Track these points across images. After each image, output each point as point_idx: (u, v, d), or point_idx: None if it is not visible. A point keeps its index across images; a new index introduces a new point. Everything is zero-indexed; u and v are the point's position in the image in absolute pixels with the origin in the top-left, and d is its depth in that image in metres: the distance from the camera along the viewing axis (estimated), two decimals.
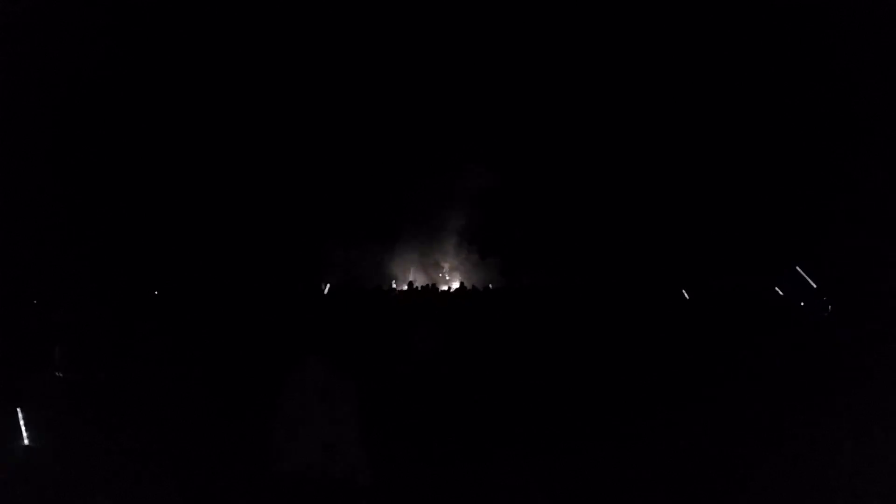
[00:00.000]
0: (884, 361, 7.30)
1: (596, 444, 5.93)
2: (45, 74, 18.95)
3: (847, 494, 4.96)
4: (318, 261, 23.72)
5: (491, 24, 24.79)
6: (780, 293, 15.47)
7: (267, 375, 6.11)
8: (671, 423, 6.37)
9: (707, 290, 16.10)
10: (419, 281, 23.82)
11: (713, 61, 21.78)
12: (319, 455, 3.49)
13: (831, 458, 5.42)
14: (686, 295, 15.97)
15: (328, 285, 16.51)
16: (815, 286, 15.58)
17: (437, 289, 18.37)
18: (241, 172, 23.79)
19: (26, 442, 5.92)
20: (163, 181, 22.23)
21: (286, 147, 24.46)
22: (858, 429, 5.72)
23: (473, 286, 18.18)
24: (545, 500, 4.81)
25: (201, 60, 22.98)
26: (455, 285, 23.61)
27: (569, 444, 5.84)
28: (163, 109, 22.49)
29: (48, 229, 18.33)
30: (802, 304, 14.60)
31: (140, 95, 22.18)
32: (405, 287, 20.46)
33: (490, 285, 20.65)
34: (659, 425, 6.35)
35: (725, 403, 6.85)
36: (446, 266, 28.21)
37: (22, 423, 5.96)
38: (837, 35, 19.15)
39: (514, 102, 24.49)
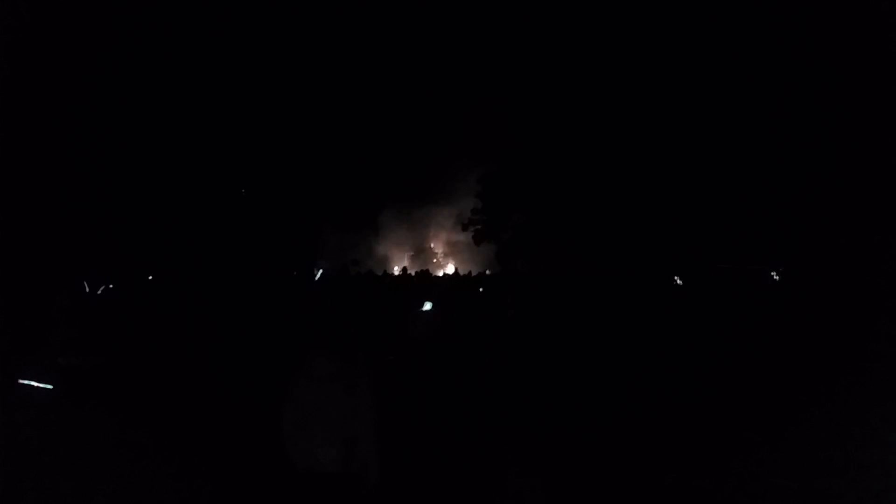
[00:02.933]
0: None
1: (594, 431, 5.89)
2: (47, 69, 18.84)
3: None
4: (312, 245, 23.80)
5: (489, 15, 24.69)
6: (776, 277, 15.74)
7: (266, 362, 6.34)
8: (668, 408, 6.42)
9: (704, 275, 16.42)
10: (413, 266, 23.84)
11: (710, 66, 21.69)
12: (331, 451, 3.33)
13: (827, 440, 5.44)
14: (679, 281, 16.07)
15: (321, 270, 16.40)
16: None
17: (431, 273, 18.27)
18: (236, 159, 23.74)
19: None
20: (161, 168, 22.21)
21: (281, 134, 24.37)
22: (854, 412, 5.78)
23: (469, 271, 18.09)
24: (541, 487, 4.75)
25: (194, 47, 22.82)
26: (449, 270, 23.53)
27: (567, 431, 5.67)
28: (159, 100, 22.42)
29: (47, 215, 18.22)
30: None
31: (137, 87, 22.13)
32: (398, 271, 20.39)
33: (487, 271, 20.58)
34: (656, 411, 6.39)
35: (722, 385, 6.95)
36: (440, 251, 28.38)
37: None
38: (827, 38, 19.25)
39: (512, 95, 24.40)
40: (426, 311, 7.05)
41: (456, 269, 21.65)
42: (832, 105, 19.53)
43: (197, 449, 5.43)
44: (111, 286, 11.22)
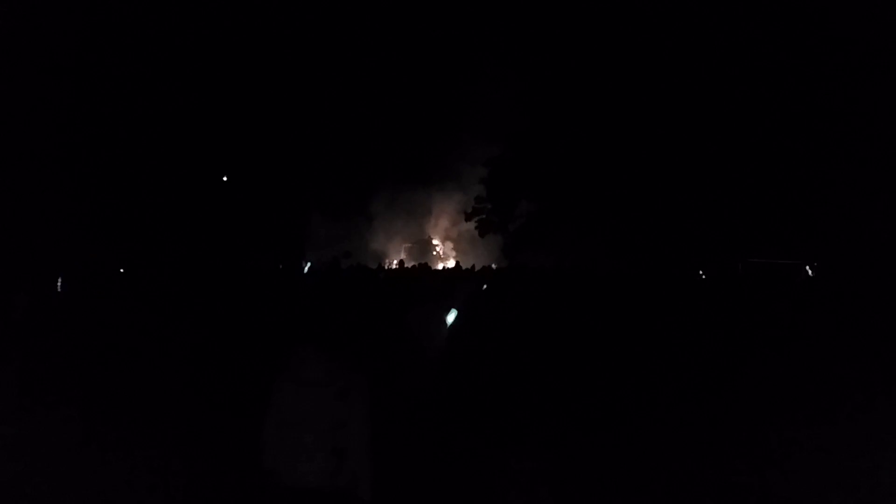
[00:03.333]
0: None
1: (598, 431, 6.04)
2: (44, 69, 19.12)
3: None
4: (299, 236, 23.27)
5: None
6: (810, 272, 15.58)
7: (248, 364, 6.34)
8: (681, 416, 6.37)
9: (731, 270, 16.35)
10: (411, 259, 23.10)
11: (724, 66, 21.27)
12: (318, 463, 3.19)
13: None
14: (703, 276, 15.82)
15: (309, 263, 15.82)
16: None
17: (430, 268, 17.55)
18: (216, 143, 23.27)
19: None
20: (136, 155, 21.81)
21: (265, 114, 23.82)
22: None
23: (472, 266, 17.33)
24: (547, 489, 4.65)
25: (173, 31, 22.37)
26: (450, 264, 22.67)
27: (571, 431, 5.86)
28: (137, 85, 22.07)
29: (18, 214, 18.05)
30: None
31: (116, 74, 21.83)
32: (395, 265, 19.75)
33: (492, 265, 19.93)
34: (664, 411, 6.43)
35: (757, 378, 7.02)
36: (440, 243, 27.74)
37: None
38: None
39: (522, 70, 23.67)
40: (451, 323, 6.65)
41: (457, 262, 20.97)
42: (867, 91, 19.12)
43: (173, 461, 5.31)
44: (64, 281, 10.85)
